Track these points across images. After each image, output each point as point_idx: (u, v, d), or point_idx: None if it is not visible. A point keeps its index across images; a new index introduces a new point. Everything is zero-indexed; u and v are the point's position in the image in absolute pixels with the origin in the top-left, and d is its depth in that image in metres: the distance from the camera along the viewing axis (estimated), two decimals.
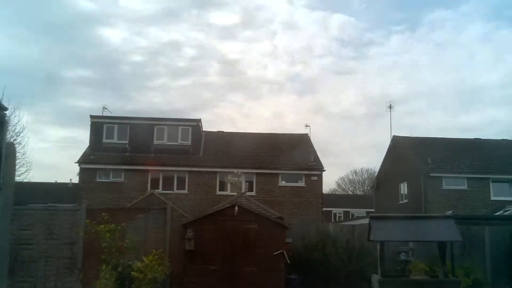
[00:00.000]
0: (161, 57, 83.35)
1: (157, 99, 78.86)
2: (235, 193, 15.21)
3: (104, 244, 8.51)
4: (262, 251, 10.93)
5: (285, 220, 13.48)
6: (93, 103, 79.36)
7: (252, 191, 22.36)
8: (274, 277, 10.88)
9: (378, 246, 8.98)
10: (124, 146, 24.13)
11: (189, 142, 24.78)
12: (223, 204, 12.84)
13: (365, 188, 54.56)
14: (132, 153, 23.86)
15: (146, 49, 78.13)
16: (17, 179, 20.77)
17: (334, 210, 43.85)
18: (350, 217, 39.78)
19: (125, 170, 23.51)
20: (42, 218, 10.43)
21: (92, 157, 23.67)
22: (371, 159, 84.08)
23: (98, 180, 23.20)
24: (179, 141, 24.72)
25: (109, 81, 77.07)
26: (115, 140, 24.42)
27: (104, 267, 8.28)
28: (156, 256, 8.84)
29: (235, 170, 20.15)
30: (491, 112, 74.77)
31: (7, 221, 3.86)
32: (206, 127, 27.24)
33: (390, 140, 29.97)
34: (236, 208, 11.16)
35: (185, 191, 23.32)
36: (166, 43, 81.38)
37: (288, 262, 11.16)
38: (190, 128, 25.06)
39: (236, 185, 15.39)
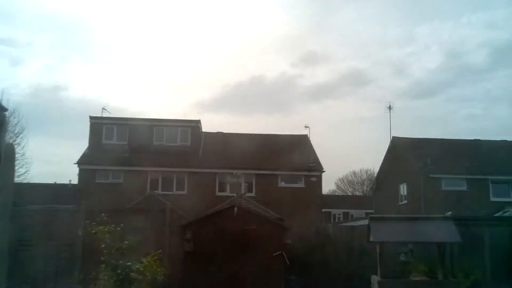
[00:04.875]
0: None
1: None
2: (235, 194, 15.22)
3: (103, 245, 8.49)
4: (262, 252, 10.91)
5: (284, 221, 13.47)
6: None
7: (252, 192, 22.34)
8: (274, 278, 10.88)
9: (378, 247, 9.00)
10: (124, 147, 24.11)
11: (188, 143, 24.78)
12: (223, 205, 12.85)
13: (365, 189, 54.53)
14: (131, 154, 23.85)
15: None
16: (16, 180, 20.77)
17: (334, 211, 43.82)
18: (350, 218, 39.76)
19: (125, 171, 23.51)
20: (41, 219, 10.42)
21: (92, 158, 23.66)
22: (371, 160, 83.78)
23: (97, 181, 23.17)
24: (179, 142, 24.72)
25: None
26: (114, 141, 24.42)
27: (103, 268, 8.26)
28: (155, 257, 8.83)
29: (234, 171, 20.15)
30: None
31: (6, 222, 3.86)
32: (206, 128, 27.27)
33: (389, 141, 30.00)
34: (236, 209, 11.16)
35: (185, 192, 23.30)
36: None
37: (288, 263, 11.15)
38: (189, 129, 25.07)
39: (235, 186, 15.40)
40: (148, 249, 9.14)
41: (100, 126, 24.74)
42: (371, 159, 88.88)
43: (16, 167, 17.18)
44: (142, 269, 8.40)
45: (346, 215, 43.99)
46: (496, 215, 21.09)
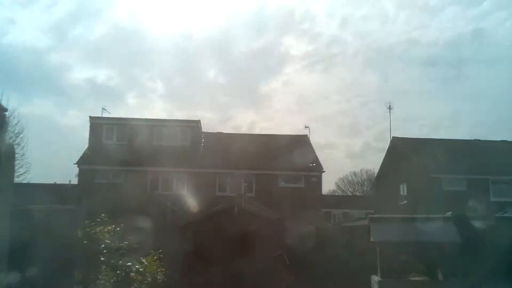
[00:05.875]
0: None
1: None
2: (235, 194, 15.23)
3: (103, 245, 8.49)
4: (262, 252, 10.93)
5: (284, 221, 13.48)
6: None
7: (252, 192, 22.32)
8: (274, 278, 10.88)
9: (378, 247, 8.99)
10: (124, 147, 24.08)
11: (188, 143, 24.77)
12: (223, 205, 12.85)
13: (365, 189, 54.52)
14: (131, 154, 23.81)
15: None
16: (16, 180, 20.75)
17: (334, 211, 43.73)
18: (350, 218, 39.70)
19: (125, 171, 23.46)
20: (41, 219, 10.41)
21: (92, 158, 23.64)
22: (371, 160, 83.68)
23: (97, 181, 23.14)
24: (179, 142, 24.71)
25: None
26: (114, 141, 24.40)
27: (103, 268, 8.27)
28: (155, 257, 8.83)
29: (234, 171, 20.17)
30: None
31: (6, 222, 3.87)
32: (206, 128, 27.28)
33: (389, 141, 29.99)
34: (236, 209, 11.16)
35: (185, 192, 23.25)
36: None
37: (288, 263, 11.15)
38: (189, 129, 25.06)
39: (235, 186, 15.40)
40: (148, 249, 9.14)
41: (100, 126, 24.74)
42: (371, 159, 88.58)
43: (16, 167, 17.17)
44: (142, 269, 8.40)
45: (346, 215, 43.93)
46: (496, 215, 21.09)
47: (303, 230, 13.30)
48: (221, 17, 74.61)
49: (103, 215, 8.89)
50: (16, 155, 19.23)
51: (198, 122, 25.92)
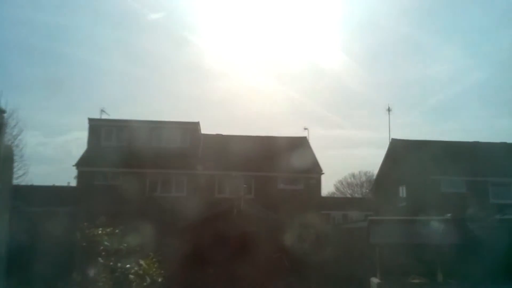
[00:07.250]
0: None
1: None
2: (234, 196, 15.22)
3: (101, 247, 8.47)
4: (261, 254, 10.93)
5: (283, 223, 13.47)
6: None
7: (251, 194, 22.30)
8: (273, 279, 10.87)
9: (377, 249, 8.99)
10: (123, 149, 24.05)
11: (187, 145, 24.75)
12: (222, 207, 12.84)
13: (364, 191, 54.48)
14: (130, 156, 23.78)
15: None
16: (15, 181, 20.72)
17: (333, 213, 43.68)
18: (349, 220, 39.67)
19: (123, 173, 23.43)
20: (40, 220, 10.41)
21: (90, 160, 23.61)
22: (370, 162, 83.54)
23: (96, 183, 23.11)
24: (178, 144, 24.69)
25: None
26: (113, 143, 24.38)
27: (101, 270, 8.24)
28: (154, 259, 8.81)
29: (233, 173, 20.16)
30: None
31: (5, 223, 3.85)
32: (205, 129, 27.24)
33: (388, 143, 30.01)
34: (235, 211, 11.16)
35: (184, 194, 23.23)
36: None
37: (287, 264, 11.15)
38: (188, 131, 25.05)
39: (234, 188, 15.40)
40: (147, 251, 9.12)
41: (99, 128, 24.73)
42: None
43: (15, 169, 17.15)
44: (140, 271, 8.38)
45: (345, 217, 43.86)
46: (495, 217, 21.08)
47: (302, 232, 13.29)
48: None
49: (102, 216, 8.86)
50: (15, 157, 19.21)
51: (197, 124, 25.90)
